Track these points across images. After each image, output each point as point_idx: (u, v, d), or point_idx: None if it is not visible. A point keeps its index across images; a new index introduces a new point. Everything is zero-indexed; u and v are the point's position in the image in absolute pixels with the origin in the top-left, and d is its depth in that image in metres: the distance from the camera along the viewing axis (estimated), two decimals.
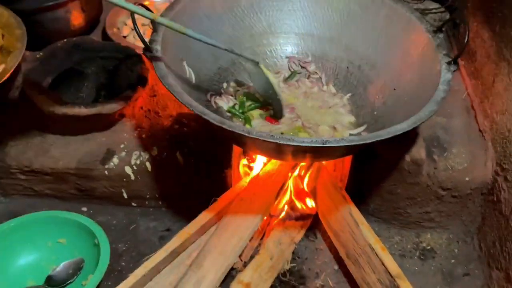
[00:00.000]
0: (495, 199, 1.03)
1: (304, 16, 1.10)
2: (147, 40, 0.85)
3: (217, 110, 0.99)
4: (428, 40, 0.93)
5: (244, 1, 1.06)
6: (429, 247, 1.11)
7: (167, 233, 1.10)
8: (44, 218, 1.03)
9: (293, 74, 1.09)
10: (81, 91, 1.15)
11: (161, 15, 0.92)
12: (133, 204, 1.14)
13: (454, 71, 0.87)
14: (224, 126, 0.73)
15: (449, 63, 0.87)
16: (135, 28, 0.84)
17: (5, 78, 1.02)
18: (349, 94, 1.05)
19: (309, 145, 0.72)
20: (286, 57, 1.11)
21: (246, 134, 0.73)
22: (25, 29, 1.13)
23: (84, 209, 1.14)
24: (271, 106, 1.00)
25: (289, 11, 1.10)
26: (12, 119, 1.08)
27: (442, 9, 1.26)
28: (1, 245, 0.98)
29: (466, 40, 0.86)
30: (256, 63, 0.97)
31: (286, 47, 1.11)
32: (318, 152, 0.81)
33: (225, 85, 1.04)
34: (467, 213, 1.10)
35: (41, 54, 1.09)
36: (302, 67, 1.10)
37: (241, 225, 1.01)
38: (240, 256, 1.01)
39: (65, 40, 1.13)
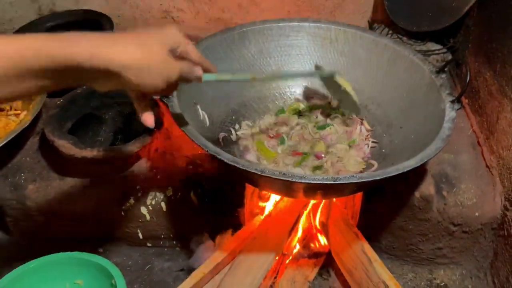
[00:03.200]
0: (505, 233, 1.03)
1: (311, 60, 1.14)
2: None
3: (229, 148, 1.02)
4: (431, 80, 0.97)
5: (254, 47, 1.11)
6: (443, 284, 1.11)
7: (181, 273, 1.12)
8: (62, 259, 1.04)
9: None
10: (99, 135, 1.19)
11: None
12: (148, 244, 1.16)
13: (458, 109, 0.89)
14: (238, 166, 0.77)
15: (452, 102, 0.90)
16: None
17: (27, 124, 1.08)
18: None
19: (321, 182, 0.75)
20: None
21: (259, 173, 0.76)
22: None
23: (101, 250, 1.16)
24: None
25: (296, 56, 1.15)
26: (33, 163, 1.12)
27: (444, 50, 1.31)
28: (20, 287, 1.00)
29: (467, 80, 0.90)
30: (332, 76, 1.02)
31: (295, 89, 1.16)
32: (329, 189, 0.84)
33: (237, 126, 1.08)
34: (479, 249, 1.11)
35: (61, 100, 1.14)
36: None
37: (255, 264, 1.02)
38: None
39: (84, 87, 1.19)
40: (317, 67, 1.07)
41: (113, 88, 0.64)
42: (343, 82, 1.02)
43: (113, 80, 0.62)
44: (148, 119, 0.74)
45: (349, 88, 1.02)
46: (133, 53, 0.61)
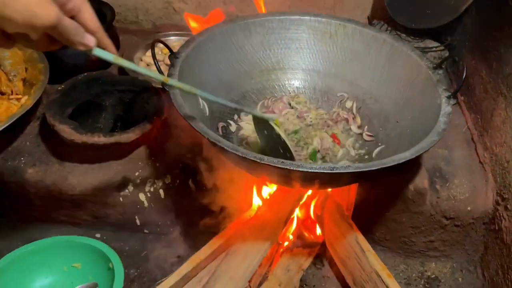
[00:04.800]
0: (496, 228, 1.06)
1: (310, 54, 1.16)
2: (165, 74, 0.91)
3: (228, 137, 1.04)
4: (428, 76, 0.98)
5: (254, 40, 1.13)
6: (433, 276, 1.14)
7: (178, 260, 1.13)
8: (60, 242, 1.06)
9: None
10: (99, 122, 1.20)
11: (178, 51, 0.99)
12: (146, 231, 1.18)
13: (453, 104, 0.91)
14: (237, 153, 0.78)
15: (448, 97, 0.92)
16: (155, 62, 0.91)
17: (28, 108, 1.09)
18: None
19: (317, 171, 0.77)
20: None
21: (258, 161, 0.77)
22: (48, 63, 1.21)
23: (98, 235, 1.17)
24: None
25: (296, 49, 1.16)
26: (33, 148, 1.13)
27: (442, 48, 1.33)
28: (18, 269, 1.01)
29: (463, 77, 0.92)
30: (266, 121, 0.93)
31: (294, 81, 1.17)
32: (325, 179, 0.86)
33: (235, 117, 1.10)
34: (470, 242, 1.13)
35: (62, 86, 1.15)
36: None
37: (251, 251, 1.04)
38: (249, 282, 1.04)
39: (85, 74, 1.20)
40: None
41: None
42: (278, 130, 0.91)
43: None
44: None
45: (283, 135, 0.91)
46: None
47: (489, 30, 1.14)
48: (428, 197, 1.07)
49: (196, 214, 1.14)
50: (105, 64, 1.38)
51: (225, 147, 0.79)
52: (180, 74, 0.95)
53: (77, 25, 0.61)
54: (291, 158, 0.91)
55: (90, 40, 0.63)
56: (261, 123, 0.96)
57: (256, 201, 1.17)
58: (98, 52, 0.65)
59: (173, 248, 1.16)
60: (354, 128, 1.09)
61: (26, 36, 0.58)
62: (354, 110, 1.11)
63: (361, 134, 1.08)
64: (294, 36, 1.15)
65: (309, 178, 0.85)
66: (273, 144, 0.95)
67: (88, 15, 0.64)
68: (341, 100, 1.13)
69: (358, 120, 1.10)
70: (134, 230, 1.17)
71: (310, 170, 0.76)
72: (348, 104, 1.13)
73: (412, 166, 1.09)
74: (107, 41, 0.68)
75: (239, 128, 1.07)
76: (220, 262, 1.03)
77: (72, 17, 0.61)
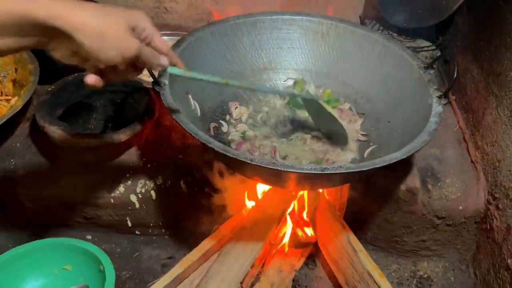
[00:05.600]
0: (488, 227, 1.06)
1: (302, 54, 1.16)
2: (156, 74, 0.90)
3: (219, 138, 1.03)
4: (419, 76, 0.98)
5: (246, 39, 1.12)
6: (426, 275, 1.14)
7: (169, 261, 1.13)
8: (51, 244, 1.05)
9: None
10: (89, 123, 1.19)
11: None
12: (137, 232, 1.17)
13: (444, 104, 0.91)
14: (228, 154, 0.78)
15: (439, 97, 0.92)
16: None
17: (18, 109, 1.08)
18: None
19: (308, 172, 0.76)
20: None
21: (249, 162, 0.77)
22: (38, 63, 1.20)
23: (89, 237, 1.17)
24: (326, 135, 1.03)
25: (288, 49, 1.16)
26: (23, 149, 1.12)
27: (433, 47, 1.33)
28: (8, 271, 1.00)
29: (455, 76, 0.92)
30: (316, 101, 1.00)
31: (286, 81, 1.17)
32: (317, 179, 0.86)
33: (227, 117, 1.09)
34: (461, 242, 1.13)
35: (52, 87, 1.14)
36: None
37: (243, 252, 1.04)
38: (241, 283, 1.04)
39: (75, 74, 1.18)
40: (298, 82, 1.06)
41: (69, 55, 0.64)
42: (329, 108, 0.98)
43: (65, 42, 0.62)
44: (88, 78, 0.70)
45: (335, 115, 0.98)
46: (89, 17, 0.62)
47: (481, 29, 1.14)
48: (420, 197, 1.07)
49: (188, 215, 1.13)
50: None
51: (216, 148, 0.78)
52: (171, 75, 0.94)
53: (153, 51, 0.72)
54: (342, 128, 0.98)
55: (165, 61, 0.74)
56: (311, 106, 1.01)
57: (248, 202, 1.17)
58: (172, 70, 0.77)
59: (165, 250, 1.15)
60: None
61: (116, 67, 0.67)
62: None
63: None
64: (286, 36, 1.15)
65: (300, 179, 0.84)
66: (326, 122, 1.00)
67: (159, 40, 0.74)
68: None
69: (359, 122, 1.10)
70: (125, 231, 1.17)
71: (301, 171, 0.76)
72: (346, 106, 1.12)
73: (403, 166, 1.09)
74: (176, 60, 0.79)
75: (231, 128, 1.07)
76: (212, 263, 1.02)
77: (147, 44, 0.72)
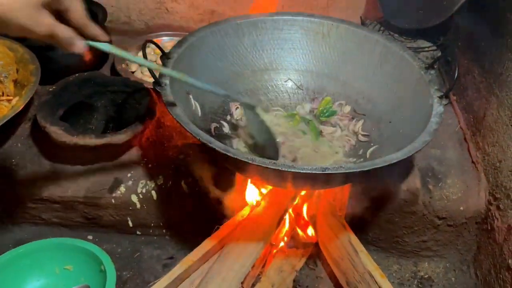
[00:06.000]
0: (489, 227, 1.06)
1: (303, 54, 1.16)
2: (157, 74, 0.90)
3: (220, 138, 1.03)
4: (420, 76, 0.98)
5: (247, 40, 1.12)
6: (427, 276, 1.14)
7: (170, 261, 1.13)
8: (52, 245, 1.05)
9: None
10: (90, 123, 1.20)
11: (169, 52, 0.99)
12: (138, 232, 1.17)
13: (445, 104, 0.91)
14: (229, 154, 0.78)
15: (440, 97, 0.92)
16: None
17: (19, 110, 1.08)
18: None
19: (309, 172, 0.76)
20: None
21: (250, 162, 0.77)
22: (39, 64, 1.20)
23: (90, 237, 1.17)
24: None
25: (289, 49, 1.16)
26: (24, 149, 1.12)
27: (434, 48, 1.33)
28: (9, 271, 1.00)
29: (456, 77, 0.92)
30: (252, 107, 1.00)
31: (287, 82, 1.17)
32: (317, 179, 0.86)
33: (228, 117, 1.09)
34: (462, 242, 1.13)
35: (53, 87, 1.15)
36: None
37: (243, 252, 1.04)
38: (242, 283, 1.03)
39: (76, 75, 1.19)
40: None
41: None
42: (263, 115, 0.99)
43: None
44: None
45: (268, 122, 0.98)
46: None
47: (482, 30, 1.14)
48: (421, 197, 1.07)
49: (189, 215, 1.13)
50: (97, 65, 1.38)
51: (217, 148, 0.79)
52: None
53: (69, 32, 0.69)
54: (275, 146, 0.96)
55: (80, 48, 0.71)
56: (250, 113, 0.99)
57: (249, 202, 1.17)
58: (93, 44, 0.73)
59: (166, 250, 1.15)
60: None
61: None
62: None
63: (356, 134, 1.07)
64: (287, 37, 1.15)
65: (301, 179, 0.84)
66: (261, 133, 0.99)
67: (76, 10, 0.70)
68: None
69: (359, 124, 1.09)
70: (126, 231, 1.17)
71: (301, 171, 0.76)
72: (346, 109, 1.12)
73: (404, 166, 1.09)
74: (97, 31, 0.74)
75: (233, 127, 1.07)
76: (213, 264, 1.02)
77: (64, 13, 0.69)
